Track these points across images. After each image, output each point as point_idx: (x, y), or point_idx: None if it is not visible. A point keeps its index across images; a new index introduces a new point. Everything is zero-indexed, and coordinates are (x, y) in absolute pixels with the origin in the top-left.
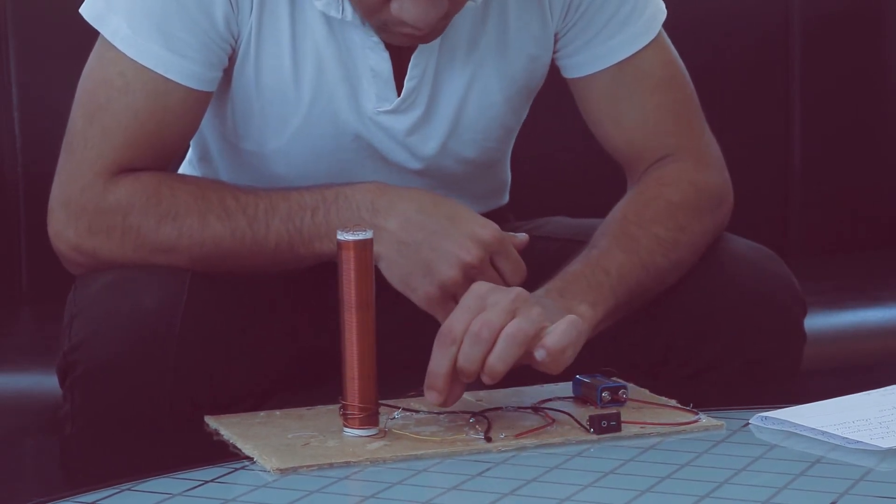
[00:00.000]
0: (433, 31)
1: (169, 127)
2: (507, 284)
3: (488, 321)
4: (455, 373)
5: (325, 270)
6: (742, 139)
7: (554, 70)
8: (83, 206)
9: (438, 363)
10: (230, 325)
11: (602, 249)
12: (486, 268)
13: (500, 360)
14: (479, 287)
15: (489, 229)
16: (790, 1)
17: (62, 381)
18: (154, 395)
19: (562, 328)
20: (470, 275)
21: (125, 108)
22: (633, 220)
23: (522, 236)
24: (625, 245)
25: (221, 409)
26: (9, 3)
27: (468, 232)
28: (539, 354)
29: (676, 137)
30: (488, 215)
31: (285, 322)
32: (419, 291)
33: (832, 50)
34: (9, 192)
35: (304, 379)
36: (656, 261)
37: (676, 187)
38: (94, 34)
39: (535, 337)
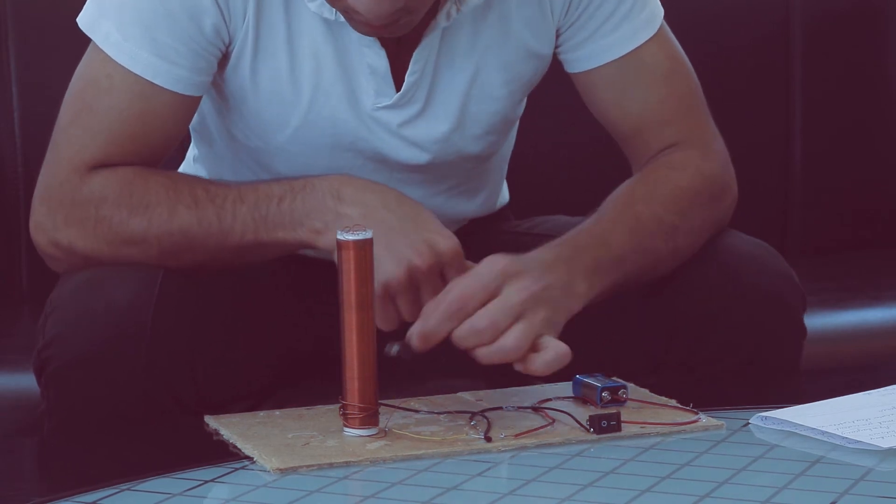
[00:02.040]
0: (392, 24)
1: (153, 129)
2: None
3: (495, 323)
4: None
5: (308, 269)
6: (742, 139)
7: (552, 69)
8: (60, 200)
9: (440, 326)
10: (204, 322)
11: (606, 224)
12: (434, 277)
13: (486, 359)
14: (499, 263)
15: (448, 241)
16: (790, 1)
17: (38, 379)
18: (128, 391)
19: (548, 358)
20: (415, 279)
21: (109, 108)
22: (640, 198)
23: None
24: (629, 224)
25: (207, 407)
26: (9, 3)
27: (426, 237)
28: (517, 368)
29: (681, 128)
30: (491, 216)
31: (266, 321)
32: None
33: (832, 50)
34: (9, 192)
35: (291, 379)
36: (656, 245)
37: (684, 172)
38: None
39: (530, 346)
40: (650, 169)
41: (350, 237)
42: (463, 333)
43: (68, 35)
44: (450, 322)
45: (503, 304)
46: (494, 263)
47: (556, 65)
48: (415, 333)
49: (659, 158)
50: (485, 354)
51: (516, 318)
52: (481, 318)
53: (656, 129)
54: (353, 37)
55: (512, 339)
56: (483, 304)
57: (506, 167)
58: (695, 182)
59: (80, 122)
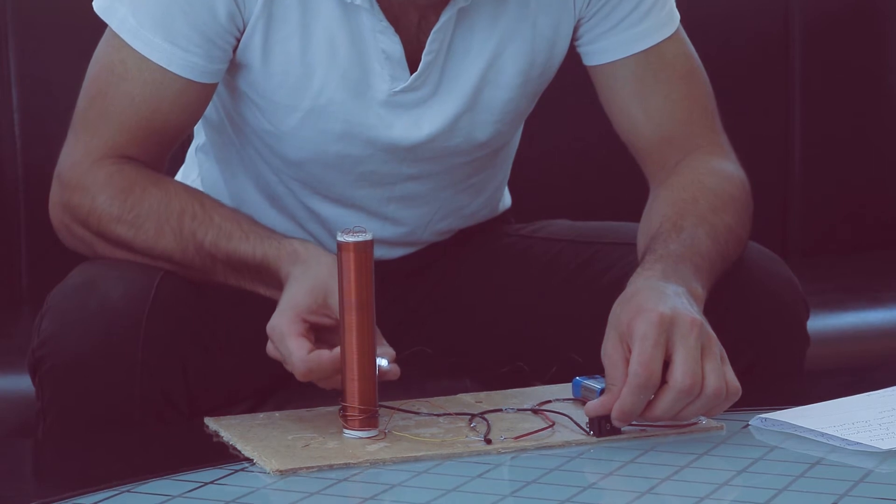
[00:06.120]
0: None
1: (166, 116)
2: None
3: (696, 375)
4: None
5: None
6: (742, 139)
7: (558, 73)
8: (67, 182)
9: (637, 400)
10: (199, 324)
11: (689, 234)
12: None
13: (697, 414)
14: (651, 315)
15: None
16: (790, 1)
17: (32, 378)
18: (121, 392)
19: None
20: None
21: (123, 94)
22: (709, 206)
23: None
24: (708, 232)
25: (200, 409)
26: (9, 3)
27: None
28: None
29: (705, 129)
30: (493, 220)
31: (262, 324)
32: None
33: (832, 50)
34: (9, 192)
35: (285, 383)
36: (731, 253)
37: (729, 181)
38: (95, 32)
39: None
40: (696, 177)
41: (350, 239)
42: (671, 403)
43: (68, 33)
44: (645, 393)
45: (688, 354)
46: (645, 320)
47: (559, 71)
48: (615, 414)
49: (697, 165)
50: (695, 411)
51: (702, 360)
52: (683, 379)
53: (680, 128)
54: (367, 23)
55: (713, 384)
56: (664, 363)
57: (509, 168)
58: (742, 192)
59: (95, 107)
